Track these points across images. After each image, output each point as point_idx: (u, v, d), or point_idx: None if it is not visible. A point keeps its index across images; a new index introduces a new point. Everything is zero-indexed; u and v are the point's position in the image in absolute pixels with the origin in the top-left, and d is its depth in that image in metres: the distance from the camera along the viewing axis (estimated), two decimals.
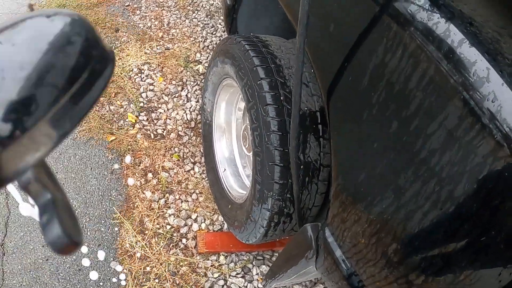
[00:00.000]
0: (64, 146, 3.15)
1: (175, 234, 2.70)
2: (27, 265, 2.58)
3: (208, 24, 4.27)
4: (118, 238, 2.67)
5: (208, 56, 3.81)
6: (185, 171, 3.01)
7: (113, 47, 3.96)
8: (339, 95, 1.49)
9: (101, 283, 2.49)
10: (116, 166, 3.03)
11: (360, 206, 1.40)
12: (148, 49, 3.94)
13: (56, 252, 0.48)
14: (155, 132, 3.23)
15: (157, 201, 2.84)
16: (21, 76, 0.42)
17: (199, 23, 4.28)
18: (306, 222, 1.85)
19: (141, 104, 3.42)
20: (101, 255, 2.57)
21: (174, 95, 3.49)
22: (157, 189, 2.90)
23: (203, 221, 2.78)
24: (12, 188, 0.54)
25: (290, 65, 1.94)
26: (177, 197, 2.88)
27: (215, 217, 2.80)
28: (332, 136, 1.57)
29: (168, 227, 2.73)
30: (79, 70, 0.46)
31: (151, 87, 3.56)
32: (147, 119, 3.32)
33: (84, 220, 2.74)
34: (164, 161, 3.05)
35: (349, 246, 1.50)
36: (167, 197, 2.87)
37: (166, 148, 3.12)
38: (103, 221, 2.75)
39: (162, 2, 4.54)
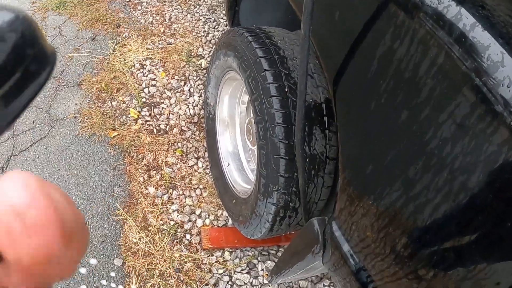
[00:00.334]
0: (66, 142, 3.13)
1: (179, 230, 2.67)
2: None
3: (210, 18, 4.23)
4: (121, 235, 2.64)
5: (211, 50, 3.78)
6: (188, 166, 2.98)
7: (114, 43, 3.93)
8: (346, 85, 1.46)
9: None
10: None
11: (368, 199, 1.36)
12: (150, 44, 3.91)
13: None
14: (158, 128, 3.20)
15: (161, 197, 2.81)
16: None
17: (201, 17, 4.25)
18: (312, 217, 1.81)
19: (144, 100, 3.39)
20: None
21: (176, 90, 3.46)
22: (160, 184, 2.87)
23: (207, 216, 2.75)
24: None
25: (294, 56, 1.91)
26: (180, 192, 2.85)
27: (219, 213, 2.77)
28: (339, 127, 1.54)
29: (172, 223, 2.70)
30: (9, 70, 0.42)
31: (154, 82, 3.53)
32: (150, 115, 3.29)
33: (87, 217, 2.71)
34: (167, 156, 3.02)
35: (357, 240, 1.46)
36: (170, 193, 2.84)
37: (169, 144, 3.09)
38: (106, 218, 2.72)
39: None
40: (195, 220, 2.72)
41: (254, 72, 1.88)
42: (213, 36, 3.99)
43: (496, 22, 0.99)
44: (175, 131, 3.17)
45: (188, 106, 3.34)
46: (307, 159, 1.74)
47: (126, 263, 2.51)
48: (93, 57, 3.83)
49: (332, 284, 2.57)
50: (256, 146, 2.25)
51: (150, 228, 2.66)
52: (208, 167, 2.96)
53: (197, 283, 2.46)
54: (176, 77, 3.57)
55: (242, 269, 2.56)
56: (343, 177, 1.51)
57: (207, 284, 2.47)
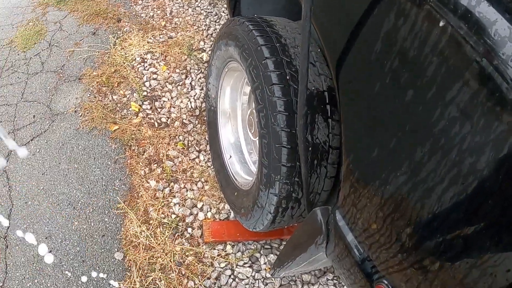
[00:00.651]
0: (67, 136, 3.10)
1: (180, 224, 2.64)
2: (30, 258, 2.54)
3: (212, 12, 4.20)
4: (122, 228, 2.61)
5: (212, 44, 3.75)
6: (190, 160, 2.95)
7: (115, 37, 3.91)
8: (349, 71, 1.42)
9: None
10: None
11: (373, 186, 1.33)
12: (151, 38, 3.88)
13: None
14: (159, 121, 3.17)
15: (162, 190, 2.78)
16: None
17: (202, 11, 4.22)
18: (314, 208, 1.78)
19: (145, 93, 3.36)
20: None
21: (178, 83, 3.43)
22: (161, 178, 2.84)
23: (209, 210, 2.72)
24: None
25: (295, 44, 1.87)
26: (182, 186, 2.82)
27: (221, 206, 2.74)
28: (342, 114, 1.50)
29: (173, 216, 2.67)
30: None
31: (155, 76, 3.50)
32: (151, 108, 3.26)
33: (88, 211, 2.68)
34: (168, 149, 2.99)
35: (361, 229, 1.43)
36: (172, 186, 2.81)
37: (171, 137, 3.06)
38: (106, 211, 2.70)
39: None
40: (197, 214, 2.70)
41: (255, 61, 1.85)
42: (214, 30, 3.96)
43: None
44: (177, 124, 3.14)
45: (189, 99, 3.31)
46: (310, 149, 1.71)
47: (127, 257, 2.48)
48: (94, 51, 3.80)
49: (335, 278, 2.54)
50: (257, 136, 2.22)
51: (151, 222, 2.63)
52: (209, 160, 2.93)
53: (199, 277, 2.43)
54: (177, 70, 3.54)
55: (244, 263, 2.53)
56: (346, 164, 1.48)
57: (209, 278, 2.44)
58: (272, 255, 2.57)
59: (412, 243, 1.22)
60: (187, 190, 2.79)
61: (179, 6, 4.29)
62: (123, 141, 3.04)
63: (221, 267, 2.49)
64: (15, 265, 2.50)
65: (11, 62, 3.74)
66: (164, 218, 2.66)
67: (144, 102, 3.30)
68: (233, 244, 2.59)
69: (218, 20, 4.08)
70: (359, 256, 1.47)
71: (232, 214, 2.69)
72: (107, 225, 2.63)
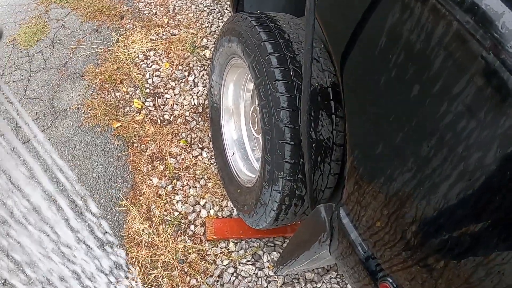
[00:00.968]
0: (69, 133, 3.09)
1: (183, 221, 2.63)
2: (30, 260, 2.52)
3: (215, 9, 4.19)
4: (124, 226, 2.60)
5: (215, 41, 3.73)
6: (193, 157, 2.94)
7: (118, 34, 3.89)
8: (353, 64, 1.41)
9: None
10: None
11: (378, 182, 1.31)
12: (153, 35, 3.86)
13: None
14: (161, 118, 3.16)
15: (165, 188, 2.77)
16: None
17: (205, 8, 4.20)
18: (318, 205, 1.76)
19: (147, 90, 3.35)
20: None
21: (181, 81, 3.42)
22: (164, 175, 2.83)
23: (211, 207, 2.70)
24: None
25: (299, 40, 1.86)
26: (185, 183, 2.80)
27: (224, 203, 2.72)
28: (346, 109, 1.49)
29: (176, 213, 2.66)
30: None
31: (157, 73, 3.49)
32: (154, 105, 3.25)
33: (90, 208, 2.67)
34: (171, 146, 2.97)
35: (366, 227, 1.41)
36: (174, 183, 2.80)
37: (173, 134, 3.05)
38: (109, 209, 2.69)
39: None
40: (200, 211, 2.68)
41: (259, 56, 1.84)
42: (217, 27, 3.94)
43: None
44: (179, 121, 3.13)
45: (192, 96, 3.30)
46: (314, 145, 1.69)
47: (129, 254, 2.47)
48: (96, 48, 3.79)
49: (338, 276, 2.53)
50: (261, 133, 2.20)
51: (153, 219, 2.62)
52: (212, 157, 2.92)
53: (201, 274, 2.42)
54: (180, 67, 3.52)
55: (247, 261, 2.52)
56: (351, 161, 1.46)
57: (211, 276, 2.43)
58: (275, 253, 2.55)
59: (417, 241, 1.20)
60: (190, 187, 2.78)
61: (182, 3, 4.27)
62: (126, 138, 3.03)
63: (223, 265, 2.48)
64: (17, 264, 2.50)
65: (14, 60, 3.73)
66: (166, 215, 2.64)
67: (147, 99, 3.29)
68: (236, 241, 2.58)
69: (221, 17, 4.06)
70: (363, 254, 1.45)
71: (235, 212, 2.68)
72: (110, 222, 2.62)
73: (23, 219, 2.38)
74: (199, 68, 3.52)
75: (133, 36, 3.86)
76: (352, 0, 1.41)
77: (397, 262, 1.30)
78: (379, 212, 1.32)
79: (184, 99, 3.28)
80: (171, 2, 4.29)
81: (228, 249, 2.54)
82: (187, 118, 3.16)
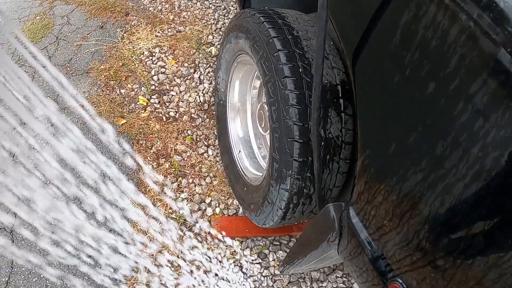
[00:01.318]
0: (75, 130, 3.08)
1: (188, 219, 2.61)
2: (36, 252, 2.51)
3: (220, 6, 4.17)
4: (130, 223, 2.58)
5: (221, 38, 3.71)
6: (198, 154, 2.92)
7: (123, 31, 3.88)
8: (366, 61, 1.39)
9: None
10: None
11: (390, 182, 1.29)
12: (159, 32, 3.85)
13: None
14: (167, 115, 3.14)
15: (170, 185, 2.75)
16: None
17: (210, 5, 4.18)
18: (326, 204, 1.74)
19: (153, 87, 3.33)
20: None
21: (186, 78, 3.40)
22: (169, 172, 2.81)
23: (217, 205, 2.69)
24: None
25: (308, 37, 1.84)
26: (190, 180, 2.79)
27: (229, 201, 2.71)
28: (357, 108, 1.47)
29: (181, 211, 2.64)
30: None
31: (163, 70, 3.47)
32: (159, 102, 3.23)
33: (96, 205, 2.66)
34: (176, 144, 2.96)
35: (376, 226, 1.39)
36: (180, 181, 2.78)
37: (179, 131, 3.03)
38: (114, 206, 2.67)
39: None
40: (205, 209, 2.67)
41: (267, 53, 1.82)
42: (223, 24, 3.92)
43: None
44: (185, 119, 3.11)
45: (198, 93, 3.28)
46: (322, 143, 1.67)
47: (132, 254, 2.46)
48: (101, 45, 3.77)
49: (344, 275, 2.51)
50: (268, 131, 2.18)
51: (159, 217, 2.60)
52: (218, 155, 2.90)
53: (207, 273, 2.41)
54: (185, 64, 3.50)
55: (253, 260, 2.50)
56: (362, 160, 1.44)
57: (217, 274, 2.41)
58: (281, 252, 2.54)
59: (429, 241, 1.19)
60: (195, 185, 2.77)
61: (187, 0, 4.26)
62: (131, 135, 3.01)
63: (229, 263, 2.46)
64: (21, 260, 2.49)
65: (18, 56, 3.72)
66: (172, 213, 2.63)
67: (152, 96, 3.27)
68: (241, 240, 2.56)
69: (226, 14, 4.04)
70: (372, 254, 1.43)
71: (241, 210, 2.66)
72: (115, 220, 2.61)
73: None
74: (204, 65, 3.50)
75: (138, 32, 3.84)
76: None
77: (408, 262, 1.28)
78: (390, 212, 1.30)
79: (190, 96, 3.27)
80: None
81: (234, 247, 2.52)
82: (192, 115, 3.14)
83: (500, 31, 0.90)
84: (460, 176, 1.04)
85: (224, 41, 2.41)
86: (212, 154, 2.93)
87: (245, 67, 2.46)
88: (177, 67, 3.48)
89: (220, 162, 2.85)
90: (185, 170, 2.83)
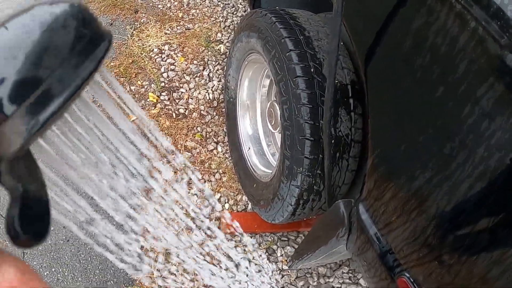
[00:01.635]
0: (84, 127, 3.11)
1: (197, 215, 2.65)
2: (47, 246, 2.55)
3: (229, 4, 4.19)
4: (138, 218, 2.62)
5: (230, 36, 3.75)
6: (208, 151, 2.96)
7: (132, 28, 3.90)
8: (378, 61, 1.42)
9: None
10: None
11: (400, 179, 1.33)
12: (168, 30, 3.87)
13: (12, 244, 0.48)
14: (177, 112, 3.17)
15: (179, 181, 2.79)
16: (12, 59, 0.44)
17: (219, 3, 4.20)
18: (335, 201, 1.78)
19: (162, 84, 3.37)
20: None
21: (195, 75, 3.43)
22: (179, 169, 2.85)
23: (226, 201, 2.73)
24: None
25: (319, 37, 1.88)
26: (199, 177, 2.82)
27: (238, 197, 2.74)
28: (369, 105, 1.50)
29: (191, 207, 2.68)
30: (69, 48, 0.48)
31: (172, 67, 3.50)
32: (169, 99, 3.27)
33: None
34: (186, 140, 2.99)
35: (385, 222, 1.43)
36: (189, 177, 2.81)
37: (189, 128, 3.07)
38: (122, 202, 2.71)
39: None
40: (214, 205, 2.70)
41: (279, 53, 1.86)
42: (231, 22, 3.95)
43: None
44: (194, 116, 3.15)
45: (207, 90, 3.31)
46: (332, 141, 1.71)
47: (144, 247, 2.49)
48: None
49: (350, 271, 2.55)
50: (277, 129, 2.23)
51: (169, 213, 2.63)
52: (227, 151, 2.94)
53: (216, 267, 2.44)
54: (195, 62, 3.54)
55: (261, 255, 2.54)
56: (373, 158, 1.48)
57: (226, 269, 2.44)
58: (289, 247, 2.58)
59: (436, 237, 1.22)
60: (205, 181, 2.80)
61: None
62: (141, 131, 3.05)
63: (238, 259, 2.50)
64: (32, 253, 2.53)
65: None
66: (181, 208, 2.66)
67: (162, 93, 3.30)
68: (250, 235, 2.60)
69: (235, 12, 4.07)
70: (381, 249, 1.47)
71: (249, 206, 2.70)
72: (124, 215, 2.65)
73: None
74: (213, 62, 3.53)
75: (148, 30, 3.87)
76: None
77: (416, 257, 1.31)
78: (399, 208, 1.34)
79: (199, 93, 3.30)
80: None
81: (243, 243, 2.56)
82: (202, 112, 3.18)
83: (508, 36, 0.94)
84: (467, 175, 1.08)
85: (235, 40, 2.44)
86: (222, 150, 2.97)
87: (255, 66, 2.49)
88: (186, 65, 3.52)
89: (230, 159, 2.89)
90: (194, 166, 2.87)
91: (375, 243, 1.48)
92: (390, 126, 1.41)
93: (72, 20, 0.49)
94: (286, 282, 2.49)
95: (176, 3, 4.20)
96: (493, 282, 1.08)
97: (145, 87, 3.36)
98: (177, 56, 3.59)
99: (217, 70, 3.47)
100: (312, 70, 1.76)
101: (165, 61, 3.56)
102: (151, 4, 4.20)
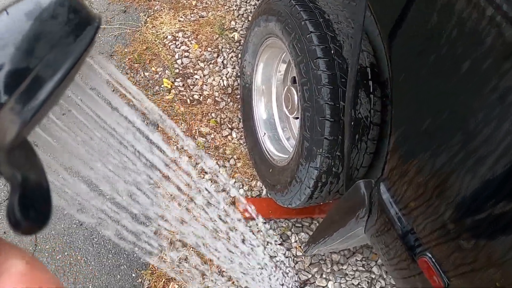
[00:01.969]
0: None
1: (212, 200, 2.65)
2: (60, 230, 2.56)
3: None
4: (153, 203, 2.62)
5: (244, 24, 3.74)
6: (222, 137, 2.96)
7: (146, 15, 3.90)
8: (402, 37, 1.42)
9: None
10: None
11: (423, 156, 1.32)
12: (182, 17, 3.87)
13: (14, 232, 0.48)
14: (191, 98, 3.18)
15: (194, 167, 2.79)
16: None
17: None
18: (352, 184, 1.78)
19: (177, 71, 3.37)
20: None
21: (210, 62, 3.43)
22: (194, 154, 2.85)
23: (241, 186, 2.73)
24: None
25: (339, 20, 1.87)
26: (214, 162, 2.82)
27: (253, 183, 2.75)
28: (393, 79, 1.49)
29: (205, 192, 2.68)
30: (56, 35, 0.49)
31: (186, 54, 3.50)
32: (183, 85, 3.27)
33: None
34: (201, 126, 3.00)
35: (407, 201, 1.42)
36: (204, 163, 2.82)
37: (203, 114, 3.07)
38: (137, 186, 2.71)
39: None
40: (229, 190, 2.70)
41: (299, 35, 1.86)
42: (245, 10, 3.94)
43: None
44: (209, 102, 3.15)
45: (221, 77, 3.31)
46: (352, 123, 1.71)
47: (158, 232, 2.50)
48: (125, 29, 3.81)
49: (364, 259, 2.55)
50: (294, 114, 2.23)
51: (182, 197, 2.64)
52: (242, 137, 2.94)
53: (230, 252, 2.44)
54: (209, 49, 3.53)
55: (276, 240, 2.54)
56: (396, 136, 1.47)
57: (240, 253, 2.45)
58: (303, 234, 2.58)
59: (460, 216, 1.21)
60: (219, 167, 2.81)
61: None
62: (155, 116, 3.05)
63: (252, 244, 2.50)
64: (45, 237, 2.54)
65: None
66: (196, 194, 2.67)
67: (176, 79, 3.30)
68: (264, 221, 2.60)
69: (249, 1, 4.06)
70: (402, 229, 1.46)
71: (264, 192, 2.70)
72: (139, 199, 2.65)
73: None
74: (228, 50, 3.53)
75: (161, 17, 3.87)
76: None
77: (438, 236, 1.31)
78: (423, 187, 1.33)
79: (213, 80, 3.30)
80: None
81: (257, 228, 2.57)
82: (216, 98, 3.18)
83: None
84: (492, 150, 1.07)
85: (252, 25, 2.44)
86: (236, 136, 2.97)
87: (271, 50, 2.49)
88: (200, 52, 3.51)
89: (244, 144, 2.89)
90: (209, 152, 2.87)
91: (396, 223, 1.48)
92: (414, 103, 1.40)
93: (59, 7, 0.49)
94: (300, 268, 2.49)
95: None
96: None
97: (159, 73, 3.36)
98: (191, 43, 3.58)
99: (231, 57, 3.47)
100: (332, 52, 1.76)
101: (179, 48, 3.56)
102: None
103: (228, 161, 2.84)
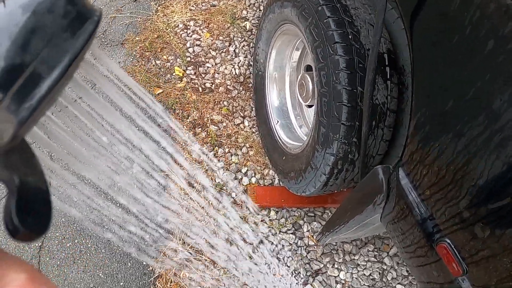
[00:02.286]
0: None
1: (224, 188, 2.64)
2: (70, 218, 2.56)
3: None
4: (165, 190, 2.62)
5: (255, 13, 3.72)
6: (234, 125, 2.95)
7: (157, 4, 3.89)
8: (425, 21, 1.39)
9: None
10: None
11: (445, 139, 1.30)
12: (193, 6, 3.86)
13: (11, 239, 0.45)
14: (203, 86, 3.16)
15: (206, 154, 2.78)
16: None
17: None
18: (367, 172, 1.76)
19: (188, 59, 3.35)
20: None
21: (221, 50, 3.42)
22: (206, 142, 2.84)
23: (253, 175, 2.72)
24: None
25: (356, 6, 1.85)
26: (226, 150, 2.82)
27: (265, 172, 2.73)
28: (414, 60, 1.47)
29: (218, 180, 2.67)
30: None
31: (198, 42, 3.48)
32: (195, 73, 3.25)
33: (130, 175, 2.69)
34: (213, 114, 2.98)
35: (427, 186, 1.41)
36: (216, 150, 2.81)
37: (215, 102, 3.06)
38: (149, 174, 2.70)
39: None
40: (241, 178, 2.70)
41: (316, 20, 1.84)
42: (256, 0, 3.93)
43: None
44: (221, 90, 3.13)
45: (233, 66, 3.30)
46: (370, 109, 1.69)
47: (170, 219, 2.49)
48: (135, 17, 3.79)
49: (376, 249, 2.54)
50: (308, 101, 2.21)
51: (195, 185, 2.64)
52: (254, 126, 2.93)
53: (242, 241, 2.44)
54: (220, 37, 3.52)
55: (288, 229, 2.53)
56: (416, 119, 1.45)
57: (251, 243, 2.44)
58: (315, 223, 2.57)
59: (481, 201, 1.19)
60: (231, 155, 2.80)
61: None
62: (167, 104, 3.04)
63: (264, 233, 2.49)
64: (55, 225, 2.54)
65: None
66: (208, 182, 2.66)
67: (188, 68, 3.29)
68: (277, 210, 2.59)
69: None
70: (420, 215, 1.45)
71: (276, 180, 2.69)
72: (151, 187, 2.64)
73: None
74: (239, 39, 3.51)
75: (172, 6, 3.86)
76: None
77: (458, 222, 1.29)
78: (443, 171, 1.31)
79: (225, 68, 3.28)
80: None
81: (269, 217, 2.56)
82: (228, 87, 3.16)
83: None
84: None
85: (267, 12, 2.42)
86: (248, 125, 2.96)
87: (285, 37, 2.48)
88: (212, 40, 3.50)
89: (256, 133, 2.88)
90: (221, 140, 2.86)
91: (415, 209, 1.46)
92: (436, 85, 1.38)
93: (57, 0, 0.47)
94: (312, 258, 2.48)
95: None
96: None
97: (171, 61, 3.35)
98: (202, 32, 3.57)
99: (243, 46, 3.45)
100: (350, 37, 1.74)
101: (191, 36, 3.55)
102: None
103: (241, 149, 2.83)
